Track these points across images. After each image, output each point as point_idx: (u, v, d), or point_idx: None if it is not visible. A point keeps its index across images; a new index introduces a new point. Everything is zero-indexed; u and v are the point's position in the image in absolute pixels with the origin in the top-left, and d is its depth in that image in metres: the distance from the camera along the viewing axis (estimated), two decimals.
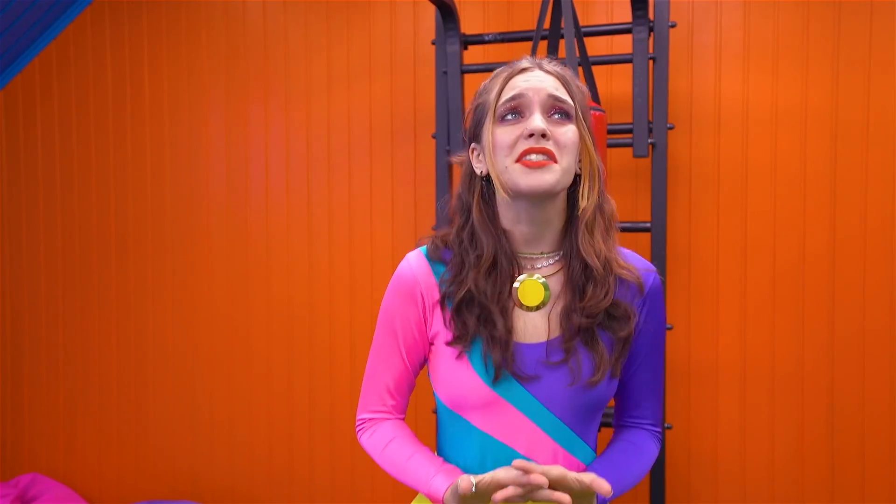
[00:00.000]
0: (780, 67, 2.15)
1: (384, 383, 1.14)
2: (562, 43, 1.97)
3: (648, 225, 2.06)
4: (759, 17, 2.16)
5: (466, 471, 1.06)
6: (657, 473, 2.07)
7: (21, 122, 2.89)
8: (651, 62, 2.03)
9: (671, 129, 2.09)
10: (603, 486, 0.93)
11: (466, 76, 2.19)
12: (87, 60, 2.80)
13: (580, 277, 1.02)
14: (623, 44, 2.21)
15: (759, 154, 2.17)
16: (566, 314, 1.02)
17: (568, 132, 1.00)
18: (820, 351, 2.15)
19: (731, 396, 2.22)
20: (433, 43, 2.22)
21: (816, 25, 2.12)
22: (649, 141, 2.00)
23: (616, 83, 2.23)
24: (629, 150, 2.12)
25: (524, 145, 0.98)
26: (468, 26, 2.33)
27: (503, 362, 1.00)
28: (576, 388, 1.02)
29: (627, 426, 1.16)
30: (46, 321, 2.89)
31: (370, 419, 1.16)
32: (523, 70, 1.03)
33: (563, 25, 1.88)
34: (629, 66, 2.12)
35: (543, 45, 2.02)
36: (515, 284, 1.03)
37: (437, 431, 1.16)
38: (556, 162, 0.98)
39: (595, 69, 2.09)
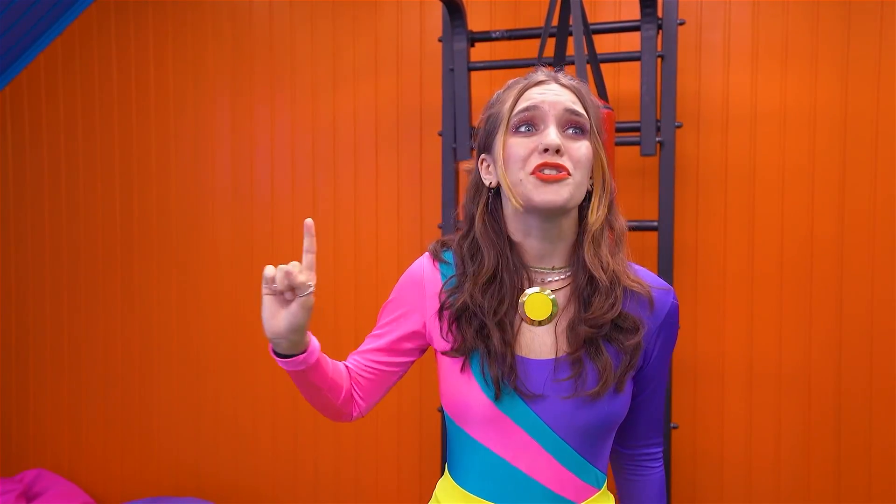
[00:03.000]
0: (788, 66, 2.14)
1: (361, 349, 1.17)
2: (570, 40, 1.96)
3: (656, 223, 2.05)
4: (768, 14, 2.15)
5: (470, 482, 1.06)
6: None
7: (27, 118, 2.89)
8: (659, 60, 2.02)
9: (679, 127, 2.08)
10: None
11: (473, 73, 2.19)
12: (92, 57, 2.80)
13: (586, 290, 1.00)
14: (631, 41, 2.20)
15: (767, 153, 2.16)
16: (571, 327, 1.00)
17: (582, 147, 0.98)
18: (827, 350, 2.14)
19: (737, 395, 2.21)
20: (440, 40, 2.21)
21: (826, 23, 2.10)
22: (657, 139, 1.99)
23: (624, 81, 2.22)
24: (637, 149, 2.11)
25: (538, 160, 0.96)
26: (475, 23, 2.32)
27: (502, 376, 0.99)
28: (578, 404, 0.99)
29: (636, 459, 1.13)
30: (52, 318, 2.89)
31: None
32: (539, 83, 1.01)
33: (571, 23, 1.87)
34: (637, 63, 2.11)
35: (552, 42, 2.01)
36: (522, 298, 1.02)
37: (448, 442, 1.14)
38: (570, 176, 0.97)
39: (603, 67, 2.08)
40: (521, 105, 0.99)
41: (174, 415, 2.75)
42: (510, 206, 1.02)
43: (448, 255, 1.09)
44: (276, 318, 0.97)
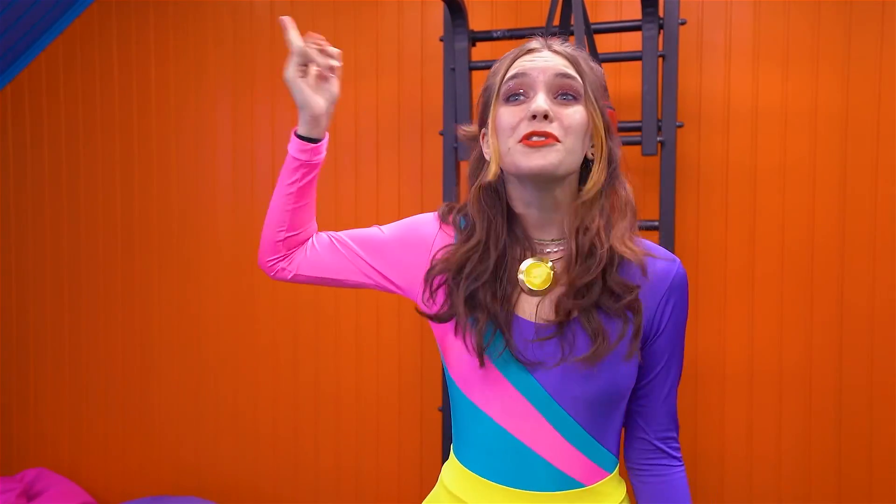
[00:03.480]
0: (790, 65, 2.14)
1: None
2: (571, 40, 1.96)
3: (657, 223, 2.05)
4: (770, 14, 2.15)
5: (475, 460, 1.04)
6: None
7: (28, 117, 2.89)
8: (660, 60, 2.02)
9: (680, 126, 2.08)
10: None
11: (474, 73, 2.19)
12: (93, 56, 2.80)
13: (575, 258, 0.98)
14: (632, 41, 2.20)
15: (769, 152, 2.16)
16: (561, 297, 0.98)
17: (574, 113, 0.95)
18: (828, 349, 2.14)
19: (738, 395, 2.21)
20: (441, 40, 2.22)
21: (827, 23, 2.11)
22: (658, 139, 1.99)
23: (625, 81, 2.22)
24: (638, 148, 2.11)
25: (527, 128, 0.94)
26: (476, 23, 2.32)
27: (487, 344, 0.98)
28: (572, 370, 0.96)
29: (652, 454, 1.06)
30: (52, 316, 2.89)
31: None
32: (531, 51, 1.00)
33: (572, 22, 1.88)
34: (638, 63, 2.11)
35: None
36: (522, 266, 1.01)
37: (452, 422, 1.13)
38: (559, 142, 0.94)
39: (604, 66, 2.08)
40: (511, 73, 0.98)
41: (175, 414, 2.75)
42: (512, 178, 1.00)
43: (462, 222, 1.08)
44: (315, 95, 1.08)
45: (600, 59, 1.99)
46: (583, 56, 1.00)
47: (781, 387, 2.18)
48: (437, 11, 2.39)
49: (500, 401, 1.00)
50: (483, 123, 1.04)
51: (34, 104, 2.88)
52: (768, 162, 2.16)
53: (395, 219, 2.53)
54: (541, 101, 0.94)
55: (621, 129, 2.07)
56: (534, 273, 1.00)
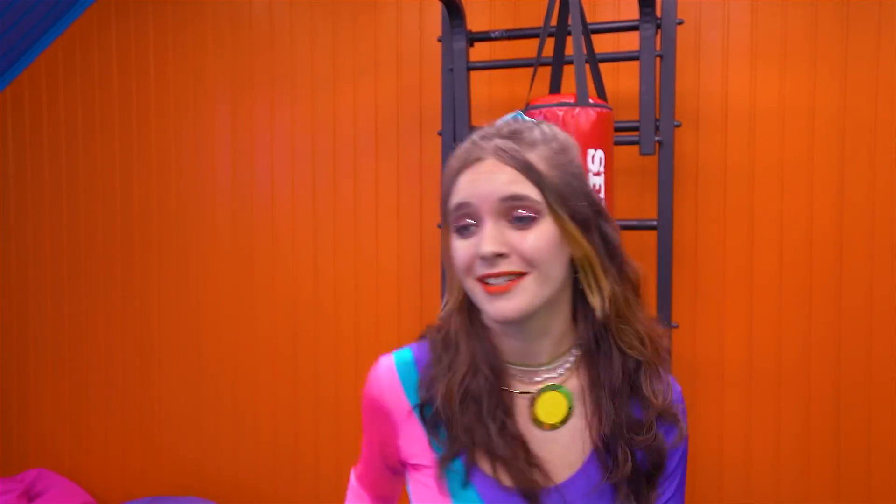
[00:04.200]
0: (787, 65, 2.14)
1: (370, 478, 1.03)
2: (569, 40, 1.96)
3: (655, 223, 2.05)
4: (767, 14, 2.15)
5: None
6: None
7: (27, 119, 2.90)
8: (658, 59, 2.02)
9: (678, 126, 2.08)
10: None
11: (473, 73, 2.19)
12: (93, 58, 2.80)
13: (614, 378, 0.84)
14: (630, 41, 2.20)
15: (766, 152, 2.16)
16: (599, 425, 0.83)
17: (537, 239, 0.79)
18: (826, 349, 2.14)
19: (736, 395, 2.21)
20: (439, 40, 2.22)
21: (824, 22, 2.11)
22: (656, 139, 1.99)
23: (623, 80, 2.22)
24: (636, 148, 2.11)
25: (481, 269, 0.80)
26: (474, 23, 2.33)
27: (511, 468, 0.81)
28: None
29: None
30: (52, 317, 2.90)
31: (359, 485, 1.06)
32: (475, 162, 0.82)
33: (570, 22, 1.88)
34: (636, 63, 2.11)
35: (551, 42, 2.01)
36: (534, 397, 0.86)
37: None
38: (526, 274, 0.79)
39: (602, 66, 2.08)
40: (454, 201, 0.83)
41: (175, 414, 2.76)
42: None
43: (406, 353, 0.92)
44: None
45: (598, 59, 1.99)
46: (543, 145, 0.83)
47: (780, 387, 2.18)
48: (436, 12, 2.39)
49: None
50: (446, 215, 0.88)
51: (34, 106, 2.89)
52: (766, 161, 2.16)
53: (392, 217, 2.52)
54: (486, 245, 0.79)
55: (619, 129, 2.07)
56: (549, 404, 0.86)
